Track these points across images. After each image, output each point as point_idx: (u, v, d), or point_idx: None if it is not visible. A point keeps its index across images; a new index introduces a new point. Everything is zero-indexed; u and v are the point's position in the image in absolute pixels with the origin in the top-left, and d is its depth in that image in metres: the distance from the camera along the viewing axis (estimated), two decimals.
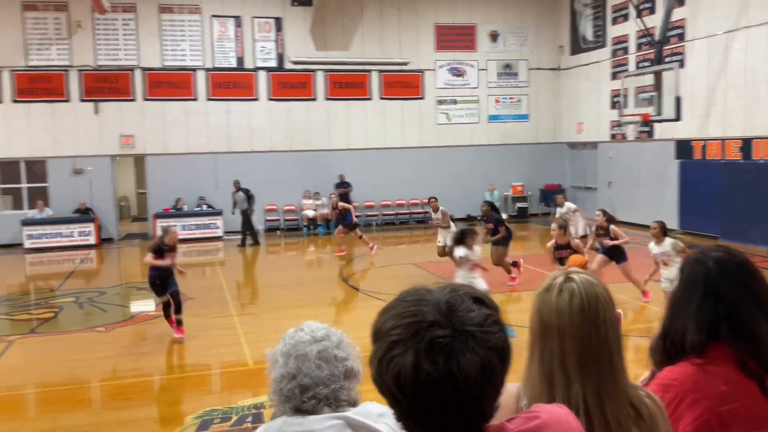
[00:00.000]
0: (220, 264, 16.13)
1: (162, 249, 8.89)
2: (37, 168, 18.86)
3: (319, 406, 1.69)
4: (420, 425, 1.15)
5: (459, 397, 1.11)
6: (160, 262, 8.80)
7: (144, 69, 19.07)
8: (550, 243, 9.17)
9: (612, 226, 10.12)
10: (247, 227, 17.49)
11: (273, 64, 20.01)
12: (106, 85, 18.81)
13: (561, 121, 22.29)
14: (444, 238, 12.81)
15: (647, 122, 16.87)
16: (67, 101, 18.62)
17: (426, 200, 15.52)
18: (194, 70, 19.45)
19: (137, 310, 11.15)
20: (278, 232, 19.95)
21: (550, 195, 20.61)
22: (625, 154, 19.22)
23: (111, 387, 7.54)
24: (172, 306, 8.99)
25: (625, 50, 19.05)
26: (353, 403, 1.73)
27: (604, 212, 10.50)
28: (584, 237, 12.34)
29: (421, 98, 21.29)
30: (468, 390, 1.11)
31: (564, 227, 9.24)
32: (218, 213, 18.96)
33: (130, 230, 21.14)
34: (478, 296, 1.20)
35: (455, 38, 21.39)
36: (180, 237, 18.16)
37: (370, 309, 10.45)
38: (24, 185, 18.87)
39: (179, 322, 8.99)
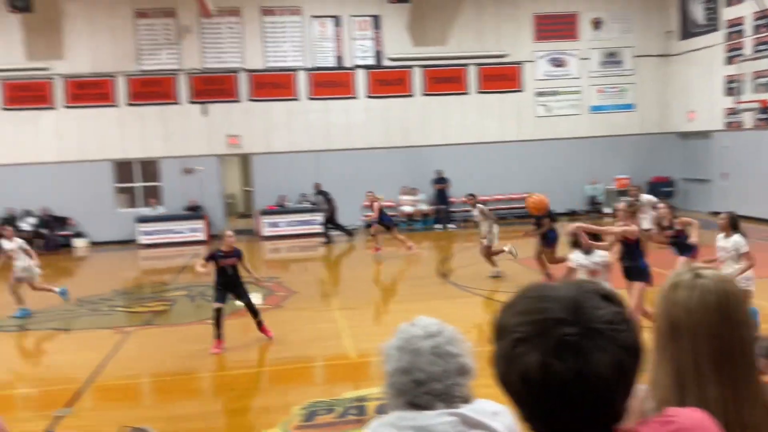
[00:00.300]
0: (320, 259, 16.46)
1: (217, 256, 8.74)
2: (150, 168, 19.93)
3: (433, 402, 1.67)
4: (548, 426, 1.10)
5: (589, 397, 1.06)
6: (201, 270, 8.80)
7: (248, 71, 19.73)
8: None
9: (680, 218, 9.57)
10: (331, 225, 18.33)
11: (371, 61, 20.20)
12: (213, 87, 19.60)
13: (669, 110, 21.24)
14: (488, 237, 12.37)
15: (766, 108, 15.80)
16: (176, 104, 19.55)
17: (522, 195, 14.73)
18: (295, 70, 19.93)
19: (243, 304, 11.51)
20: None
21: (659, 188, 19.70)
22: (741, 143, 18.08)
23: (220, 377, 7.85)
24: (223, 316, 8.61)
25: (741, 33, 17.90)
26: (466, 400, 1.71)
27: (668, 204, 10.07)
28: (647, 230, 11.35)
29: (519, 91, 20.87)
30: (599, 390, 1.06)
31: (633, 211, 8.77)
32: (318, 210, 19.35)
33: (236, 227, 21.93)
34: (605, 293, 1.14)
35: (555, 28, 20.81)
36: (283, 233, 18.77)
37: (471, 305, 10.38)
38: (138, 184, 19.97)
39: (260, 324, 8.86)
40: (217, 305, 8.57)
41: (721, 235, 7.92)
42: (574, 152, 20.62)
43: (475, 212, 12.89)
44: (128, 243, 19.13)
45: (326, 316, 10.28)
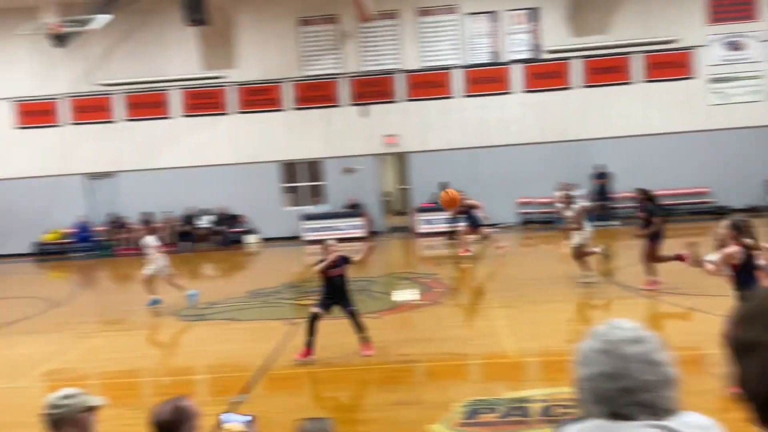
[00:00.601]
0: (476, 257, 16.38)
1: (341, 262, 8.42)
2: (314, 168, 20.91)
3: (638, 412, 1.55)
4: None
5: None
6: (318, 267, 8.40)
7: (405, 71, 20.08)
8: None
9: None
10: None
11: (527, 55, 19.77)
12: (372, 89, 20.16)
13: None
14: (579, 237, 11.68)
15: None
16: (338, 106, 20.32)
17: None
18: (451, 68, 19.99)
19: (405, 299, 11.75)
20: (532, 225, 19.73)
21: None
22: None
23: (382, 370, 8.06)
24: (317, 324, 8.34)
25: None
26: (672, 412, 1.57)
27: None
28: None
29: (690, 78, 19.46)
30: None
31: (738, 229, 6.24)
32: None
33: (393, 224, 22.46)
34: None
35: (732, 8, 19.17)
36: (438, 230, 18.87)
37: (637, 307, 9.86)
38: (303, 184, 21.03)
39: (364, 339, 8.44)
40: (316, 310, 8.38)
41: None
42: (753, 142, 18.91)
43: (570, 212, 12.27)
44: (294, 239, 20.20)
45: (484, 314, 10.24)
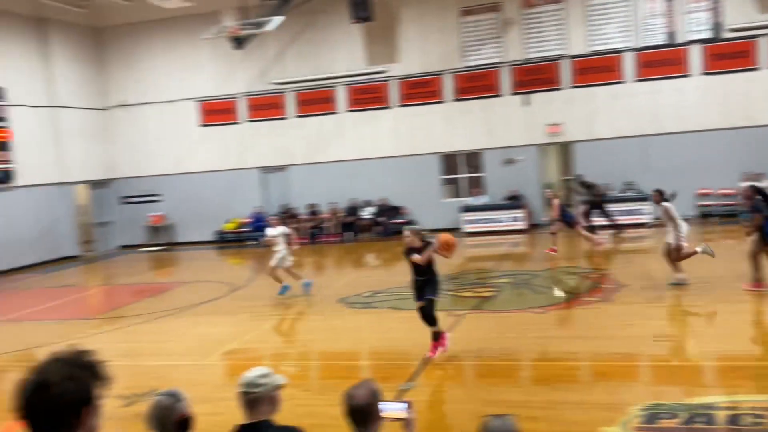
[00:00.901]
0: (648, 251, 15.44)
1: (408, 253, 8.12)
2: (473, 159, 20.80)
3: None
4: None
5: None
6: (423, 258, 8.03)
7: (570, 57, 19.34)
8: None
9: None
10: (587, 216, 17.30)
11: (706, 35, 18.27)
12: (535, 77, 19.64)
13: None
14: (672, 236, 10.83)
15: None
16: (499, 96, 20.02)
17: None
18: (621, 52, 18.96)
19: (571, 294, 11.35)
20: (712, 218, 18.23)
21: None
22: None
23: (546, 367, 7.83)
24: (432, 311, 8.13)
25: None
26: None
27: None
28: None
29: None
30: None
31: None
32: (644, 198, 18.17)
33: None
34: None
35: None
36: (605, 223, 18.05)
37: None
38: (462, 175, 20.99)
39: (434, 336, 8.09)
40: (418, 304, 8.13)
41: None
42: None
43: (660, 210, 11.30)
44: (453, 230, 20.22)
45: (658, 312, 9.62)
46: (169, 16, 21.59)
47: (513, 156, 20.00)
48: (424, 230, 8.22)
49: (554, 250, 15.02)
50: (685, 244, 10.91)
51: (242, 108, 22.00)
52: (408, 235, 8.12)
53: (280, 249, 12.48)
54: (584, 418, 6.10)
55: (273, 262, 12.52)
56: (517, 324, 9.54)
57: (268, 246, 12.66)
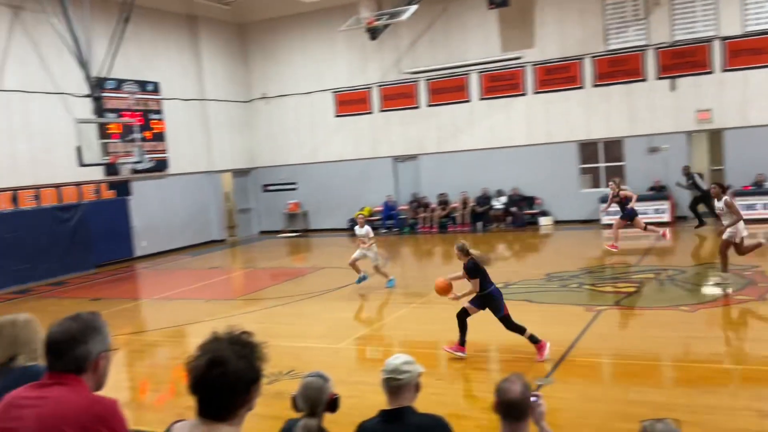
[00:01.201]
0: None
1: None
2: (613, 147, 19.85)
3: None
4: None
5: None
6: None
7: (723, 38, 17.93)
8: None
9: None
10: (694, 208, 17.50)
11: None
12: (682, 60, 18.41)
13: None
14: (732, 231, 10.49)
15: None
16: (643, 80, 18.96)
17: None
18: None
19: (721, 293, 10.55)
20: None
21: None
22: None
23: (690, 369, 7.32)
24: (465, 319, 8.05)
25: None
26: None
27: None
28: None
29: None
30: None
31: None
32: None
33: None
34: None
35: None
36: (761, 216, 16.67)
37: None
38: (601, 164, 20.09)
39: (532, 340, 7.81)
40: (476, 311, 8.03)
41: None
42: None
43: (720, 204, 10.62)
44: (590, 222, 19.46)
45: None
46: (307, 11, 22.26)
47: (658, 144, 18.90)
48: (468, 248, 7.97)
49: (615, 247, 14.19)
50: (745, 238, 10.67)
51: (375, 98, 22.32)
52: (457, 253, 8.05)
53: (369, 247, 12.64)
54: (734, 425, 5.64)
55: (373, 262, 12.72)
56: (661, 322, 9.00)
57: (360, 243, 12.81)
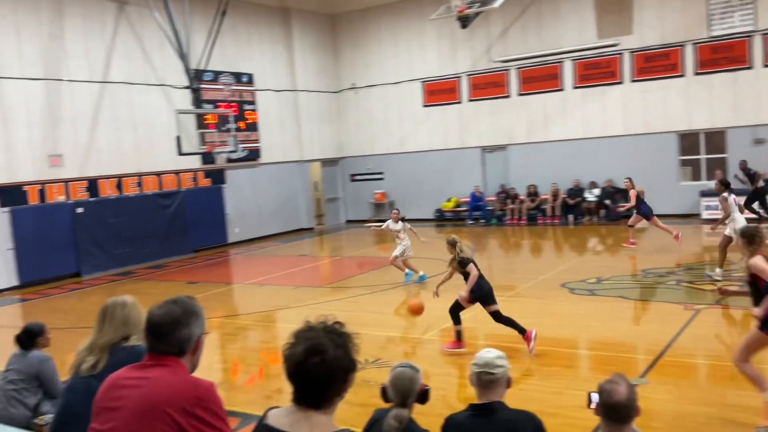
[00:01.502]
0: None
1: None
2: (715, 138, 18.83)
3: None
4: None
5: None
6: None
7: None
8: None
9: None
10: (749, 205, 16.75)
11: None
12: None
13: None
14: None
15: None
16: (749, 68, 17.87)
17: None
18: None
19: None
20: None
21: None
22: None
23: None
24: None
25: None
26: None
27: None
28: None
29: None
30: None
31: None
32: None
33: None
34: None
35: None
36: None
37: None
38: (702, 156, 19.11)
39: (520, 331, 7.94)
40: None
41: None
42: None
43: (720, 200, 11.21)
44: (689, 216, 18.58)
45: None
46: (396, 0, 22.25)
47: (763, 135, 17.79)
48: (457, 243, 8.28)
49: (633, 243, 13.94)
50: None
51: (464, 87, 22.08)
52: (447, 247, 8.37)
53: (404, 241, 12.61)
54: None
55: (396, 252, 12.67)
56: None
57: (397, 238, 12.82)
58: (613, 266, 13.20)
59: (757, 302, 5.61)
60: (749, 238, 5.71)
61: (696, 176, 19.27)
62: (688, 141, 19.23)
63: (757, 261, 5.56)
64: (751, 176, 17.12)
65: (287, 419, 2.21)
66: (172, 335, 2.53)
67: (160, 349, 2.53)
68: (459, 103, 22.23)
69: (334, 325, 2.27)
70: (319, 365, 2.16)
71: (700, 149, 19.12)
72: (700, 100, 18.58)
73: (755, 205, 17.00)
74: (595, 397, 3.14)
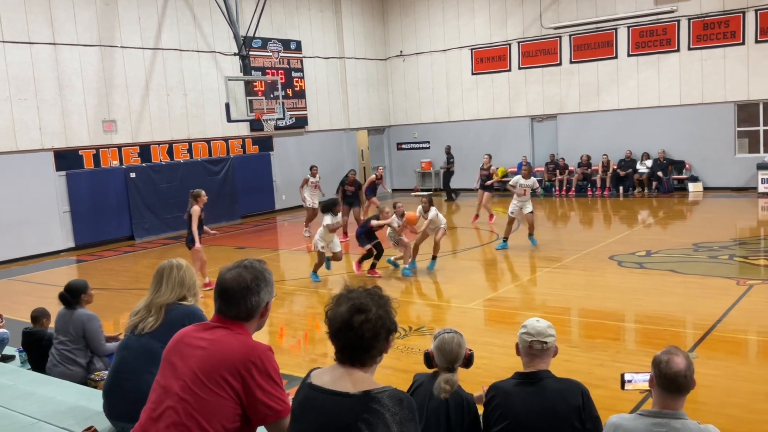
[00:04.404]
0: None
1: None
2: None
3: None
4: None
5: None
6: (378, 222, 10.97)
7: None
8: None
9: None
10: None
11: None
12: None
13: None
14: None
15: None
16: None
17: None
18: None
19: None
20: None
21: None
22: None
23: None
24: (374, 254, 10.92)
25: None
26: None
27: None
28: None
29: None
30: None
31: None
32: None
33: None
34: None
35: None
36: None
37: None
38: (761, 128, 18.42)
39: (374, 266, 10.92)
40: (366, 247, 11.12)
41: None
42: None
43: None
44: (745, 190, 18.01)
45: None
46: None
47: None
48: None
49: (477, 218, 15.10)
50: None
51: (515, 55, 21.67)
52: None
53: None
54: None
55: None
56: None
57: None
58: (664, 240, 12.92)
59: None
60: None
61: (754, 148, 18.61)
62: (746, 112, 18.55)
63: None
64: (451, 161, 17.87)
65: (329, 377, 2.27)
66: (242, 302, 2.58)
67: (230, 314, 2.59)
68: (509, 71, 21.84)
69: (374, 288, 2.34)
70: (364, 323, 2.21)
71: (759, 120, 18.43)
72: (761, 70, 17.85)
73: None
74: (629, 377, 3.11)
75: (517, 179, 12.58)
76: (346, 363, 2.26)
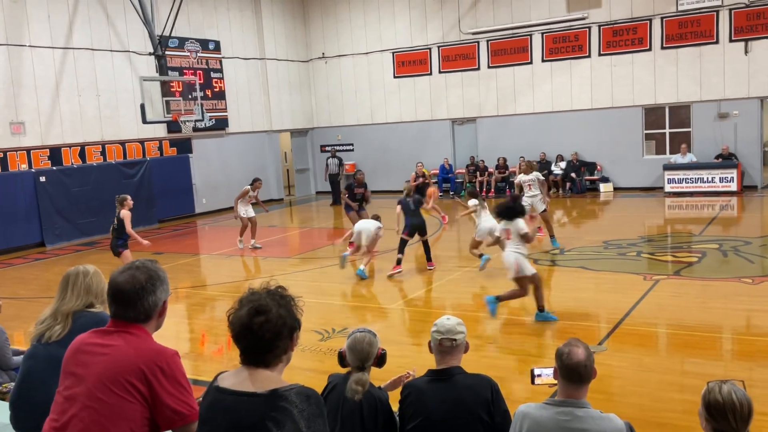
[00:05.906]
0: None
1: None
2: (680, 113, 19.14)
3: None
4: None
5: None
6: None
7: None
8: None
9: None
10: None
11: None
12: (758, 22, 17.48)
13: None
14: None
15: None
16: (715, 43, 18.12)
17: None
18: None
19: None
20: None
21: None
22: None
23: (747, 342, 7.12)
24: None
25: None
26: None
27: None
28: None
29: None
30: None
31: None
32: None
33: None
34: None
35: None
36: None
37: None
38: (667, 130, 19.42)
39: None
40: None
41: None
42: None
43: None
44: (653, 190, 18.93)
45: None
46: None
47: (727, 110, 18.13)
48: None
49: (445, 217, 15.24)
50: None
51: (435, 59, 22.02)
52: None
53: (484, 222, 11.17)
54: None
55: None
56: (722, 294, 8.75)
57: None
58: (577, 238, 13.43)
59: None
60: None
61: (660, 150, 19.60)
62: (653, 115, 19.52)
63: None
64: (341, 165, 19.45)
65: (236, 379, 2.29)
66: (139, 304, 2.53)
67: (127, 316, 2.54)
68: (430, 74, 22.18)
69: (276, 289, 2.36)
70: (264, 324, 2.23)
71: (665, 123, 19.42)
72: (666, 75, 18.82)
73: None
74: (538, 371, 3.24)
75: (520, 177, 12.71)
76: (251, 364, 2.28)
